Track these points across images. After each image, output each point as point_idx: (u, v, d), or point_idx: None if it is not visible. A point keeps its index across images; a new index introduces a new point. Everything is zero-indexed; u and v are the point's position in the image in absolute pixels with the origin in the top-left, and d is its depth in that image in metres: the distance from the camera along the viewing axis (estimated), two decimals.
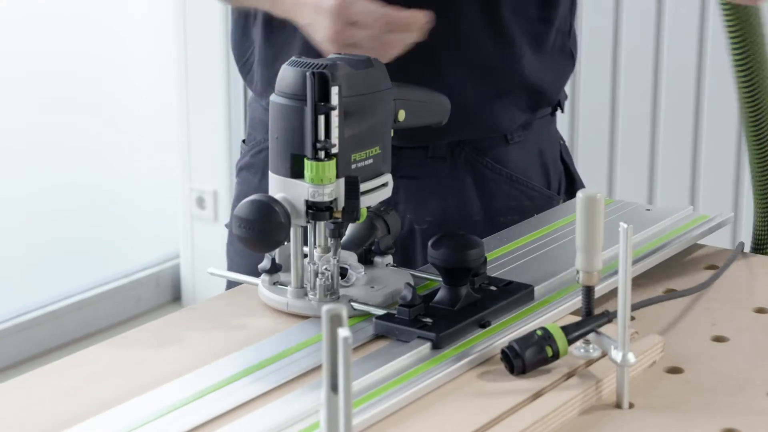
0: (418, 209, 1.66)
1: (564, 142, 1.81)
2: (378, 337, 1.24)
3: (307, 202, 1.27)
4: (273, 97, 1.29)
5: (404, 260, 1.57)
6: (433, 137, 1.63)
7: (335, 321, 0.84)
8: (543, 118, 1.74)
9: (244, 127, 1.89)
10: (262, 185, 1.56)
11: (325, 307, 0.85)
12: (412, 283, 1.30)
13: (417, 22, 1.41)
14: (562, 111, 1.78)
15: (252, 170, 1.73)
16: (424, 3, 1.44)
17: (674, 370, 1.22)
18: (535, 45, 1.67)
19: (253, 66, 1.73)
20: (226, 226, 1.36)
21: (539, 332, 1.18)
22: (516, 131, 1.69)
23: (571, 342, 1.18)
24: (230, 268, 1.67)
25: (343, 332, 0.84)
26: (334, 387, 0.86)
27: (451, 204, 1.66)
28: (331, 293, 1.30)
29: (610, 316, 1.20)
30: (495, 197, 1.70)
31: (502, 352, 1.19)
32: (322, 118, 1.25)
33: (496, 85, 1.66)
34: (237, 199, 1.73)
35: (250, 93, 1.82)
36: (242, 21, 1.73)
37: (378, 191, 1.33)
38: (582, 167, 3.33)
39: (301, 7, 1.46)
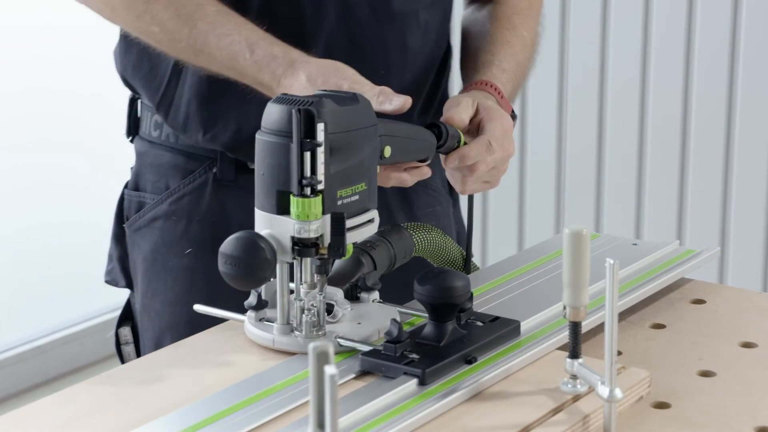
0: None
1: None
2: (364, 373, 1.24)
3: (293, 238, 1.27)
4: (258, 134, 1.29)
5: None
6: None
7: (322, 358, 0.84)
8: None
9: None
10: (190, 231, 1.51)
11: (311, 345, 0.84)
12: (398, 319, 1.29)
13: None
14: None
15: (174, 218, 1.66)
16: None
17: (661, 406, 1.21)
18: None
19: (174, 100, 1.65)
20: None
21: None
22: None
23: None
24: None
25: (330, 369, 0.83)
26: (320, 424, 0.86)
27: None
28: (317, 329, 1.30)
29: None
30: (416, 205, 1.74)
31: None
32: (308, 155, 1.25)
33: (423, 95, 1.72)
34: (154, 252, 1.68)
35: (141, 138, 1.72)
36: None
37: (364, 227, 1.33)
38: (569, 201, 3.38)
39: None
